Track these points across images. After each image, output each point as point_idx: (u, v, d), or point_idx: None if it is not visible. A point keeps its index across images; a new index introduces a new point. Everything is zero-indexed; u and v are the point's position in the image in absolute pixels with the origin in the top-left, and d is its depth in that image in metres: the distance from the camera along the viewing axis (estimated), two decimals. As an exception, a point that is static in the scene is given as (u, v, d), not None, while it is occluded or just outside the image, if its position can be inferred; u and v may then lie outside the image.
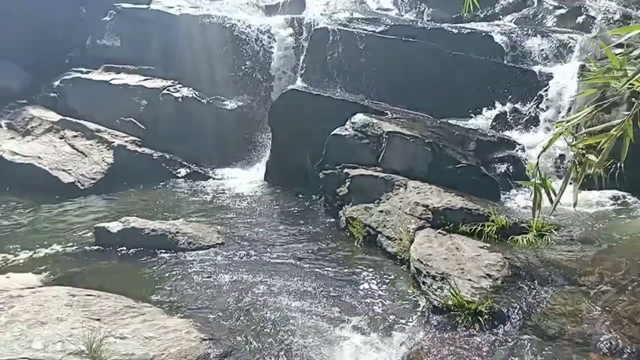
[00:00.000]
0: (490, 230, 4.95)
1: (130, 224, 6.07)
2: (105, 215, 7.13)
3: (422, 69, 8.40)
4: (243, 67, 10.17)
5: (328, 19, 9.42)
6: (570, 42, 8.03)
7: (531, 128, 7.35)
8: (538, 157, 2.76)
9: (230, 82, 10.09)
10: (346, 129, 6.74)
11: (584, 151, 2.57)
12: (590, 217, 5.50)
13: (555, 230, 4.96)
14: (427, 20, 10.62)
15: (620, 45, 7.03)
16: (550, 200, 2.66)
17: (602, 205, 5.82)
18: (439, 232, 5.01)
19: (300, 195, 7.52)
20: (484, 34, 8.67)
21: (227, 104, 9.85)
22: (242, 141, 9.48)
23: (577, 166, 2.62)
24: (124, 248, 5.83)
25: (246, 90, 10.04)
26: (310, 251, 5.64)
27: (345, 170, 6.39)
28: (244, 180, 8.58)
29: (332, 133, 6.80)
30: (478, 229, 4.97)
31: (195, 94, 9.92)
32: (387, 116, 7.19)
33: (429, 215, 5.22)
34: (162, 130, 9.64)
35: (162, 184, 8.61)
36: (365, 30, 8.99)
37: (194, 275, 5.15)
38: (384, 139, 6.39)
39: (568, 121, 2.67)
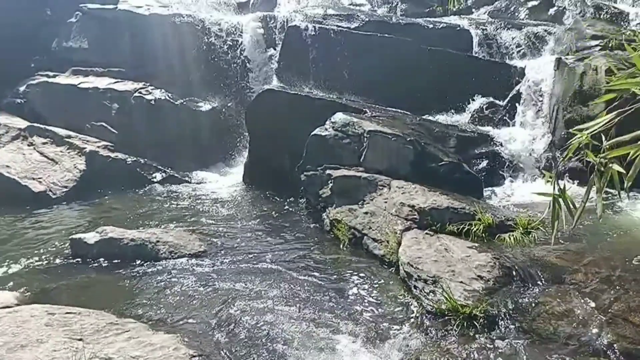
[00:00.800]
0: (477, 229, 4.91)
1: (107, 234, 5.88)
2: (80, 225, 6.91)
3: (399, 64, 8.35)
4: (216, 67, 9.99)
5: (302, 16, 9.29)
6: (544, 35, 8.07)
7: (509, 122, 7.36)
8: (556, 168, 2.62)
9: (204, 82, 9.92)
10: (326, 129, 6.64)
11: (606, 160, 2.48)
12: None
13: (541, 227, 4.95)
14: (401, 15, 10.58)
15: (595, 37, 7.11)
16: (571, 213, 2.52)
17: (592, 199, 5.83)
18: (427, 233, 4.95)
19: (281, 198, 7.41)
20: (458, 27, 8.67)
21: (202, 105, 9.67)
22: (218, 143, 9.34)
23: (600, 177, 2.52)
24: (102, 260, 5.64)
25: (220, 91, 9.89)
26: (295, 256, 5.53)
27: (327, 171, 6.29)
28: (222, 183, 8.43)
29: (312, 133, 6.70)
30: (465, 229, 4.92)
31: (168, 95, 9.71)
32: (366, 114, 7.12)
33: (415, 216, 5.17)
34: (136, 134, 9.43)
35: (137, 189, 8.39)
36: (340, 26, 8.90)
37: (177, 286, 4.99)
38: (365, 138, 6.31)
39: (587, 129, 2.57)
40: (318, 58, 8.82)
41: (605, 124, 2.52)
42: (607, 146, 2.46)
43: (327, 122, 6.72)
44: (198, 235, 6.08)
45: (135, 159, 8.99)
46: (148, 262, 5.51)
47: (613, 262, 4.27)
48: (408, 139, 6.18)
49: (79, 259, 5.72)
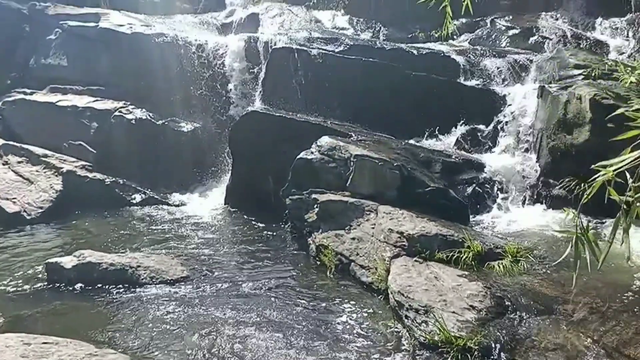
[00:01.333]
0: (466, 257, 4.86)
1: (85, 259, 5.68)
2: (56, 248, 6.69)
3: (384, 89, 8.35)
4: (199, 88, 9.89)
5: (287, 39, 9.27)
6: (526, 63, 8.18)
7: (493, 148, 7.39)
8: (580, 205, 2.53)
9: (186, 103, 9.80)
10: (312, 153, 6.58)
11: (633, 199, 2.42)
12: (560, 240, 5.52)
13: (530, 255, 4.94)
14: (383, 40, 10.64)
15: (578, 66, 7.21)
16: (595, 255, 2.43)
17: (572, 227, 5.84)
18: (416, 260, 4.89)
19: (265, 221, 7.29)
20: (442, 54, 8.73)
21: (184, 125, 9.54)
22: (200, 165, 9.19)
23: (626, 216, 2.47)
24: (80, 285, 5.44)
25: (203, 112, 9.76)
26: (281, 283, 5.41)
27: (313, 195, 6.21)
28: (204, 206, 8.27)
29: (298, 157, 6.62)
30: (455, 256, 4.88)
31: (149, 115, 9.56)
32: (352, 138, 7.09)
33: (404, 243, 5.10)
34: (115, 154, 9.23)
35: (116, 211, 8.19)
36: (325, 50, 8.89)
37: (159, 313, 4.83)
38: (352, 163, 6.25)
39: (611, 165, 2.52)
40: (302, 81, 8.78)
41: (632, 161, 2.47)
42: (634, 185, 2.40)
43: (313, 146, 6.66)
44: (180, 260, 5.93)
45: (113, 179, 8.80)
46: (128, 288, 5.34)
47: (603, 292, 4.26)
48: (395, 164, 6.14)
49: (55, 284, 5.51)
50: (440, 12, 11.16)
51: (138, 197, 8.60)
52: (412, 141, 7.67)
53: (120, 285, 5.38)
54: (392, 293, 4.48)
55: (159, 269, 5.59)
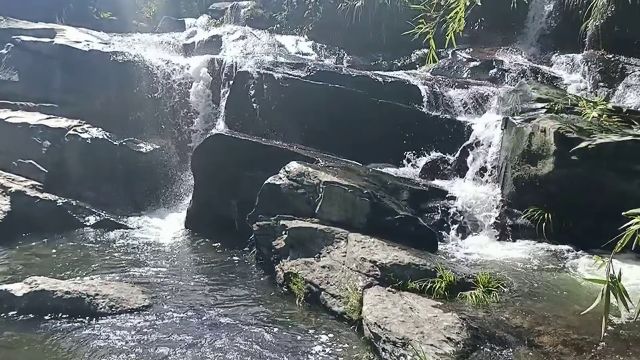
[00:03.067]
0: (439, 287, 4.82)
1: (38, 286, 5.34)
2: (4, 274, 6.26)
3: (349, 115, 8.37)
4: (159, 108, 9.65)
5: (253, 62, 9.18)
6: (488, 94, 8.36)
7: (458, 177, 7.46)
8: (611, 257, 2.45)
9: (145, 123, 9.54)
10: (280, 178, 6.45)
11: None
12: (528, 270, 5.57)
13: (501, 285, 4.94)
14: (347, 67, 10.72)
15: (540, 100, 7.39)
16: (625, 305, 2.36)
17: (537, 257, 5.94)
18: (389, 290, 4.81)
19: (228, 247, 7.10)
20: (407, 82, 8.83)
21: (142, 146, 9.25)
22: (159, 187, 8.91)
23: None
24: (33, 315, 5.09)
25: (163, 133, 9.52)
26: (248, 312, 5.22)
27: (282, 221, 6.06)
28: (164, 229, 7.98)
29: (265, 182, 6.48)
30: (428, 286, 4.82)
31: (106, 135, 9.23)
32: (319, 164, 7.01)
33: (377, 272, 5.02)
34: (68, 174, 8.83)
35: (69, 234, 7.80)
36: (291, 74, 8.85)
37: (120, 345, 4.55)
38: (321, 189, 6.16)
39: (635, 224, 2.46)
40: (267, 105, 8.69)
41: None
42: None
43: (281, 171, 6.54)
44: (141, 287, 5.64)
45: (66, 200, 8.40)
46: (86, 318, 5.03)
47: (576, 322, 4.27)
48: (364, 191, 6.09)
49: (5, 314, 5.13)
50: (402, 42, 11.32)
51: (92, 219, 8.23)
52: (378, 168, 7.66)
53: (77, 315, 5.06)
54: (367, 324, 4.37)
55: (118, 298, 5.29)
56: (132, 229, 8.05)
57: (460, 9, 3.23)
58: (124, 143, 9.24)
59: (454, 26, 3.48)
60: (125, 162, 9.05)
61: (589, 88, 8.86)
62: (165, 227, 8.02)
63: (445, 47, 3.92)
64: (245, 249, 6.87)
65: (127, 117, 9.67)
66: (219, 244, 7.26)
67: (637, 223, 2.36)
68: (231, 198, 7.56)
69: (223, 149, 7.68)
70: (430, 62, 4.03)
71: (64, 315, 5.07)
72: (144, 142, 9.37)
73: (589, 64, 9.20)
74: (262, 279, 6.07)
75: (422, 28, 3.60)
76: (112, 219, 8.29)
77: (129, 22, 17.60)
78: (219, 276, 6.15)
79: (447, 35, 3.66)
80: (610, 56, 9.09)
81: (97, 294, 5.26)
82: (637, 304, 2.49)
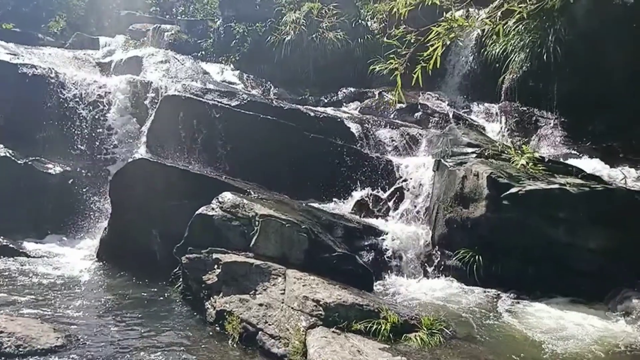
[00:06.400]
0: (384, 328, 4.68)
1: None
2: None
3: (281, 148, 8.22)
4: (72, 127, 8.97)
5: (179, 86, 8.81)
6: (417, 136, 8.55)
7: (390, 215, 7.48)
8: None
9: (55, 142, 8.83)
10: (213, 209, 6.10)
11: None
12: (465, 312, 5.59)
13: (444, 327, 4.89)
14: (276, 99, 10.60)
15: (471, 145, 7.62)
16: None
17: (470, 299, 5.99)
18: (334, 332, 4.59)
19: (148, 280, 6.55)
20: (338, 119, 8.84)
21: (51, 167, 8.52)
22: (67, 212, 8.20)
23: None
24: None
25: (75, 154, 8.85)
26: (176, 354, 4.76)
27: (215, 255, 5.69)
28: (72, 258, 7.30)
29: (197, 212, 6.10)
30: (373, 328, 4.67)
31: (9, 153, 8.42)
32: (252, 196, 6.73)
33: (320, 312, 4.78)
34: (-38, 193, 7.90)
35: (-41, 261, 6.88)
36: (221, 102, 8.57)
37: (29, 393, 3.96)
38: (257, 222, 5.88)
39: None
40: (194, 132, 8.33)
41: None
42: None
43: (214, 202, 6.19)
44: (52, 324, 5.00)
45: (-43, 222, 7.48)
46: (-13, 360, 4.35)
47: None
48: (302, 226, 5.88)
49: None
50: (330, 79, 11.37)
51: (-12, 246, 7.35)
52: (310, 203, 7.50)
53: (-24, 356, 4.37)
54: (316, 369, 4.11)
55: (27, 336, 4.64)
56: (36, 257, 7.27)
57: (438, 47, 3.20)
58: (30, 162, 8.47)
59: (423, 65, 3.45)
60: (31, 183, 8.29)
61: (506, 137, 9.33)
62: (75, 257, 7.34)
63: (412, 84, 3.88)
64: (166, 282, 6.38)
65: (34, 134, 8.92)
66: (137, 276, 6.69)
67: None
68: (153, 227, 7.06)
69: (146, 175, 7.18)
70: (396, 100, 3.98)
71: (-41, 357, 4.36)
72: (53, 162, 8.64)
73: (506, 114, 9.73)
74: (190, 316, 5.61)
75: (392, 63, 3.52)
76: (12, 245, 7.45)
77: (34, 35, 16.55)
78: (140, 313, 5.61)
79: (414, 74, 3.63)
80: (525, 108, 9.67)
81: (1, 332, 4.59)
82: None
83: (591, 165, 7.83)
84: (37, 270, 6.75)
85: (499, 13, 4.17)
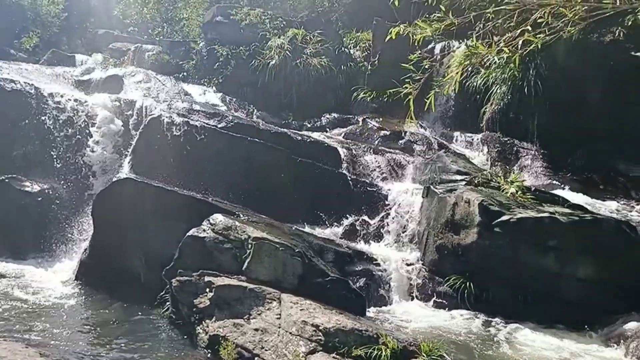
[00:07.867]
0: (384, 354, 4.61)
1: None
2: None
3: (268, 171, 8.16)
4: (52, 145, 8.73)
5: (165, 106, 8.68)
6: (404, 163, 8.61)
7: (379, 241, 7.46)
8: None
9: (34, 160, 8.58)
10: (205, 231, 5.97)
11: None
12: (459, 338, 5.57)
13: (445, 354, 4.84)
14: (262, 122, 10.54)
15: (460, 172, 7.70)
16: None
17: (463, 325, 5.98)
18: (334, 357, 4.51)
19: (132, 304, 6.32)
20: (326, 144, 8.84)
21: (29, 185, 8.25)
22: (47, 231, 7.90)
23: None
24: None
25: (54, 172, 8.57)
26: (170, 381, 4.59)
27: (207, 278, 5.55)
28: (50, 280, 7.03)
29: (188, 234, 5.95)
30: (374, 354, 4.59)
31: (-18, 170, 8.11)
32: (240, 218, 6.61)
33: (320, 337, 4.69)
34: None
35: None
36: (207, 124, 8.47)
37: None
38: (250, 245, 5.78)
39: None
40: (180, 153, 8.17)
41: None
42: None
43: (205, 224, 6.06)
44: (38, 349, 4.75)
45: None
46: (-31, 386, 4.09)
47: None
48: (296, 250, 5.80)
49: None
50: (313, 104, 11.37)
51: (-40, 266, 7.01)
52: (299, 227, 7.42)
53: (-43, 382, 4.11)
54: (321, 396, 4.00)
55: (11, 361, 4.40)
56: (11, 277, 6.95)
57: (457, 73, 3.24)
58: (6, 180, 8.17)
59: (437, 90, 3.49)
60: (7, 201, 7.98)
61: (488, 166, 9.48)
62: (54, 278, 7.06)
63: (425, 109, 3.91)
64: (153, 307, 6.17)
65: (11, 151, 8.64)
66: (120, 300, 6.44)
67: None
68: (137, 249, 6.86)
69: (132, 195, 6.98)
70: (410, 122, 4.00)
71: (-61, 382, 4.09)
72: (31, 180, 8.36)
73: (487, 144, 9.91)
74: (179, 341, 5.43)
75: (407, 88, 3.55)
76: (-13, 266, 7.13)
77: (7, 51, 16.21)
78: (128, 338, 5.39)
79: (427, 99, 3.65)
80: (507, 139, 9.86)
81: (-16, 356, 4.33)
82: None
83: (572, 196, 7.98)
84: (13, 291, 6.44)
85: (520, 42, 4.26)
